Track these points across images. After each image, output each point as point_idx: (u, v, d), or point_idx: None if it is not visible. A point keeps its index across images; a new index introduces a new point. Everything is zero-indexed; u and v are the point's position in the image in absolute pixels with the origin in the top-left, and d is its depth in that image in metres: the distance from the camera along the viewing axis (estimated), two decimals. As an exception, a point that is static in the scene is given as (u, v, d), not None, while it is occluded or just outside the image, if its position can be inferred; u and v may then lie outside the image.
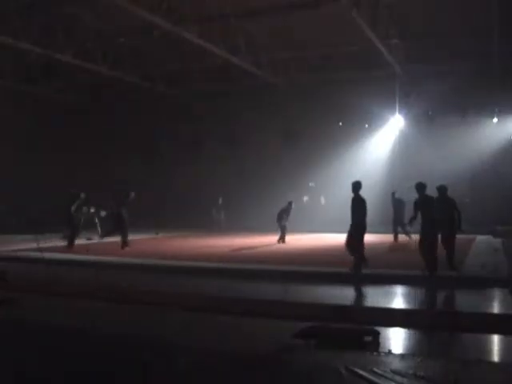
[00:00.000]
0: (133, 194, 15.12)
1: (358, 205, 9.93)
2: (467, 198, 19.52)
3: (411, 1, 15.80)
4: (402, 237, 15.75)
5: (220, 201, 22.18)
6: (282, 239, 16.24)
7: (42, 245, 13.04)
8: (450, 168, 19.21)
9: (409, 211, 11.97)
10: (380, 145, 21.41)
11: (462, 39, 17.61)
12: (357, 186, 10.08)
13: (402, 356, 4.74)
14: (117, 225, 14.95)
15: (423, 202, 9.69)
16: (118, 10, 14.31)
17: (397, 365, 4.29)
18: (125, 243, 14.83)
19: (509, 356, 5.35)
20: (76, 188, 15.83)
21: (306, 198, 21.13)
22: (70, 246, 14.92)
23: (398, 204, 15.82)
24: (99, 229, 21.67)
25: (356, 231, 9.93)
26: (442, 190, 10.17)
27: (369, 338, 5.17)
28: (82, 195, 15.01)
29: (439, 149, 19.85)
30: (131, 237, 19.17)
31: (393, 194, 16.21)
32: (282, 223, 16.23)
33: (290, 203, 16.57)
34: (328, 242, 16.17)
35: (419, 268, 9.41)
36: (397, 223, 15.79)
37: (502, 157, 19.13)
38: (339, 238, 15.65)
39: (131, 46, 19.51)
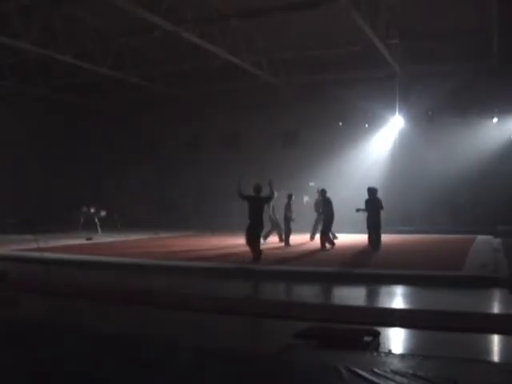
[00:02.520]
0: (293, 196, 16.08)
1: (260, 204, 11.70)
2: (462, 200, 19.56)
3: (411, 1, 15.80)
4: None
5: (293, 198, 16.10)
6: (284, 239, 15.61)
7: (43, 245, 13.07)
8: (450, 168, 19.23)
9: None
10: (380, 145, 21.39)
11: (462, 39, 17.61)
12: (258, 188, 11.82)
13: (402, 356, 4.73)
14: (285, 225, 15.83)
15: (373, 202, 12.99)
16: (117, 10, 14.30)
17: (397, 365, 4.27)
18: (287, 242, 15.62)
19: (509, 356, 5.35)
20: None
21: (306, 198, 21.05)
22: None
23: (328, 203, 14.40)
24: (99, 229, 21.73)
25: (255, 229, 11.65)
26: (371, 191, 13.23)
27: (369, 338, 5.17)
28: (275, 195, 15.00)
29: (439, 149, 19.86)
30: (134, 236, 19.26)
31: (322, 191, 14.80)
32: (286, 220, 15.62)
33: (289, 196, 15.78)
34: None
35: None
36: (327, 223, 14.28)
37: (501, 157, 19.11)
38: (340, 238, 15.78)
39: (131, 46, 19.52)
